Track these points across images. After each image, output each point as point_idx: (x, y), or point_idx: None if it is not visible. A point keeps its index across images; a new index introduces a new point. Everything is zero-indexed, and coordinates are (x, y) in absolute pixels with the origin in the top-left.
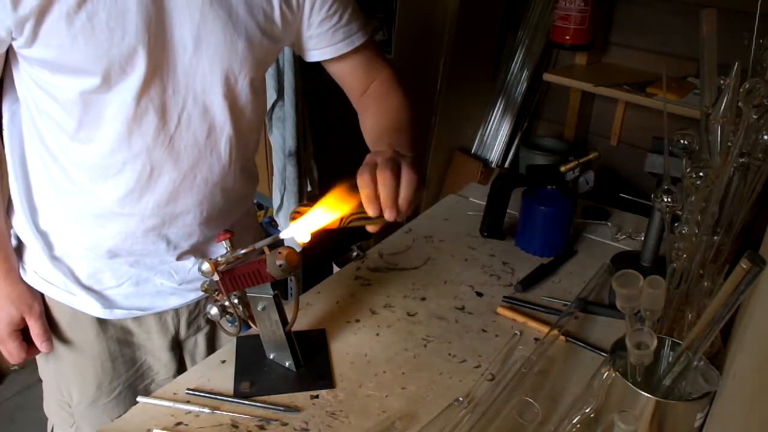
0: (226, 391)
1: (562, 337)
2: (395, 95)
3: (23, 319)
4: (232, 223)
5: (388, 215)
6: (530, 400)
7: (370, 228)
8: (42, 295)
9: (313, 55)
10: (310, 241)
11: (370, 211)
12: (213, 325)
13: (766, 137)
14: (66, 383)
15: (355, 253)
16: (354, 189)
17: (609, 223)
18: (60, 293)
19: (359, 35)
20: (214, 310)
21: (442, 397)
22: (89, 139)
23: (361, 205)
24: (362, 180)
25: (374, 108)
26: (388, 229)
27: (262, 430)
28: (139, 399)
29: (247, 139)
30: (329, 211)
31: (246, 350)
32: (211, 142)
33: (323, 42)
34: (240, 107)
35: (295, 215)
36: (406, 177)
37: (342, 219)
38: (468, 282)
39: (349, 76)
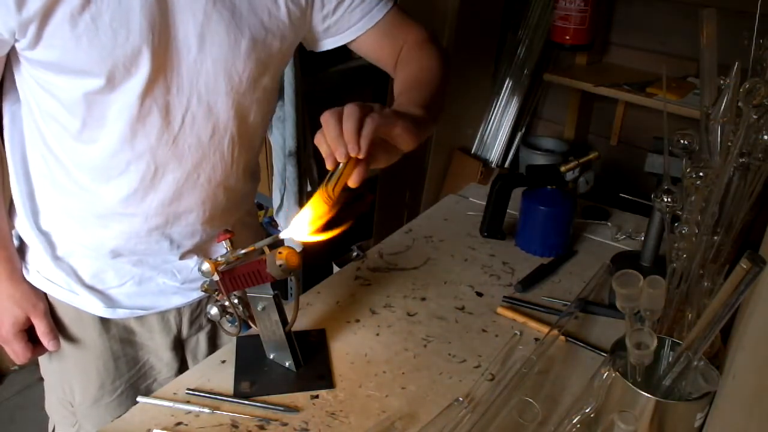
0: (226, 391)
1: (562, 337)
2: (420, 57)
3: (28, 319)
4: (234, 222)
5: (351, 149)
6: (530, 400)
7: (351, 181)
8: (45, 294)
9: (332, 42)
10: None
11: (339, 155)
12: (214, 324)
13: (766, 137)
14: (69, 382)
15: (355, 253)
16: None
17: (609, 223)
18: (63, 293)
19: (379, 8)
20: (214, 310)
21: (442, 397)
22: (93, 140)
23: (335, 171)
24: (325, 119)
25: (399, 75)
26: (388, 229)
27: (262, 430)
28: (139, 399)
29: (251, 139)
30: (317, 205)
31: (246, 350)
32: (215, 141)
33: (342, 26)
34: (244, 107)
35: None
36: (372, 115)
37: (327, 192)
38: (468, 282)
39: (376, 51)
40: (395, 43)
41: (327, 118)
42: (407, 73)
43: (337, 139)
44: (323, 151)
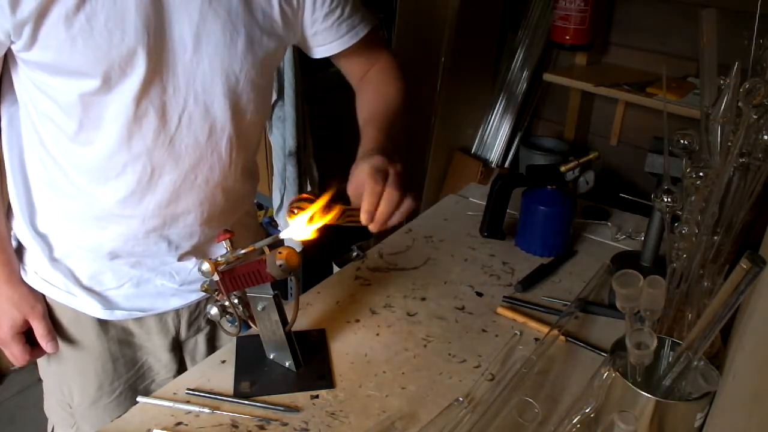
0: (226, 391)
1: (562, 337)
2: (392, 83)
3: (26, 322)
4: (232, 222)
5: (374, 227)
6: (530, 400)
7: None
8: (43, 296)
9: (321, 51)
10: (310, 241)
11: (365, 219)
12: (213, 326)
13: (766, 137)
14: (67, 384)
15: (355, 253)
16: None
17: (609, 223)
18: (61, 294)
19: (362, 26)
20: (214, 310)
21: (442, 397)
22: (89, 141)
23: (351, 207)
24: (371, 188)
25: (371, 93)
26: (389, 229)
27: (262, 430)
28: (139, 399)
29: (248, 139)
30: (326, 210)
31: (246, 350)
32: (212, 142)
33: (329, 37)
34: (241, 107)
35: (294, 210)
36: (406, 204)
37: (337, 215)
38: (468, 282)
39: (351, 64)
40: (368, 61)
41: (373, 186)
42: (378, 99)
43: (372, 212)
44: (358, 198)
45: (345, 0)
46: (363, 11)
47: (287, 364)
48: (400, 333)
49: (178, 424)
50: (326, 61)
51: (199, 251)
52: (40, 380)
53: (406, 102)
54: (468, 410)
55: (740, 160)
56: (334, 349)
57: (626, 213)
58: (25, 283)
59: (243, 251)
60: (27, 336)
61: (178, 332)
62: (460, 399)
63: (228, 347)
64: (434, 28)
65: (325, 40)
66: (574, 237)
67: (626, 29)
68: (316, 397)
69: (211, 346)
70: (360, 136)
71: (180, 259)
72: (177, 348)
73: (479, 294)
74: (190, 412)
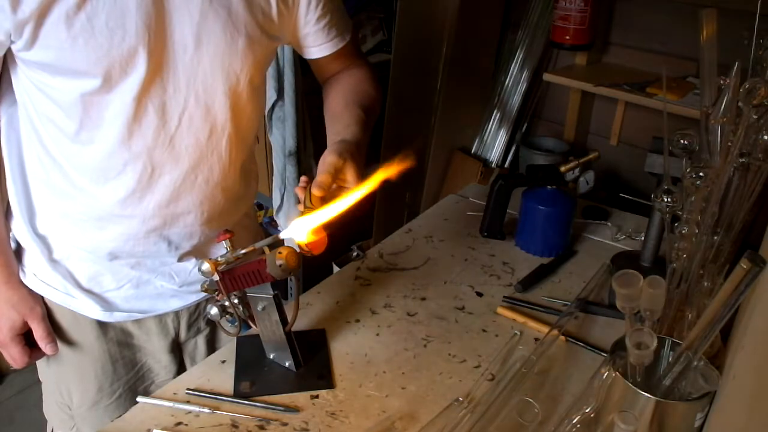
0: (226, 391)
1: (562, 337)
2: (367, 82)
3: (25, 324)
4: (232, 223)
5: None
6: (530, 400)
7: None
8: (42, 298)
9: (313, 52)
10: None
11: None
12: (213, 327)
13: (766, 137)
14: (66, 386)
15: (355, 253)
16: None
17: (609, 223)
18: (60, 296)
19: (347, 31)
20: (214, 310)
21: (442, 397)
22: (89, 141)
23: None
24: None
25: (346, 82)
26: (388, 229)
27: (262, 430)
28: (139, 399)
29: (246, 138)
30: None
31: (246, 350)
32: (212, 142)
33: (320, 39)
34: (241, 106)
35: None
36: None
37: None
38: (468, 282)
39: (329, 65)
40: (342, 65)
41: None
42: (357, 91)
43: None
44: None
45: (333, 5)
46: (347, 18)
47: (287, 364)
48: (400, 333)
49: (178, 424)
50: None
51: (199, 252)
52: (39, 381)
53: (376, 104)
54: (468, 410)
55: (740, 160)
56: (334, 349)
57: (626, 213)
58: (24, 285)
59: (243, 251)
60: (26, 338)
61: (177, 334)
62: (460, 399)
63: (228, 347)
64: (434, 28)
65: (317, 42)
66: (574, 237)
67: (626, 29)
68: (316, 397)
69: (211, 348)
70: (331, 112)
71: (180, 259)
72: (176, 349)
73: (479, 294)
74: (190, 412)
